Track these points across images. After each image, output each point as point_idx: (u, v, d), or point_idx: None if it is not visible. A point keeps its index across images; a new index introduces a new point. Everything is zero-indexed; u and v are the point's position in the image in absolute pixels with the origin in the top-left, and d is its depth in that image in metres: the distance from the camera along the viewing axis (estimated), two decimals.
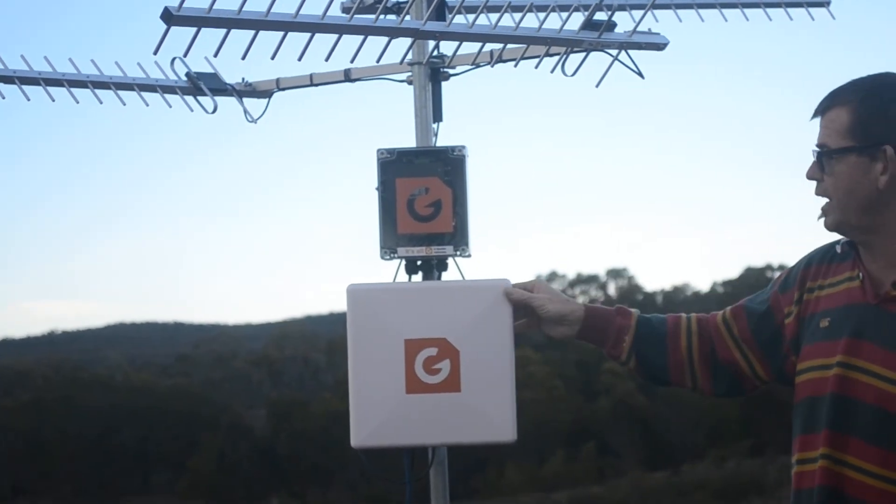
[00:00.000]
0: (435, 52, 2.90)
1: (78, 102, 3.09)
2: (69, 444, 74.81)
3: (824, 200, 2.22)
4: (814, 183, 2.27)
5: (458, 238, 2.64)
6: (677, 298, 52.69)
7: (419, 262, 2.71)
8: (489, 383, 2.57)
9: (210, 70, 3.11)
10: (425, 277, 2.72)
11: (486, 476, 46.21)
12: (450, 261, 2.72)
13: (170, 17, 2.27)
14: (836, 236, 2.32)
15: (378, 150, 2.68)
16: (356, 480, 52.08)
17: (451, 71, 2.97)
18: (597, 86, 2.97)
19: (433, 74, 2.89)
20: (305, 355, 75.84)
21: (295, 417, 59.14)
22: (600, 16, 2.72)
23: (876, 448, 2.11)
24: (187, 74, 3.08)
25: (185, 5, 2.28)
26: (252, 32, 2.41)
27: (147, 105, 3.16)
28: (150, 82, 3.11)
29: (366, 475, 50.89)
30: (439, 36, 2.69)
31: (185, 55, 2.55)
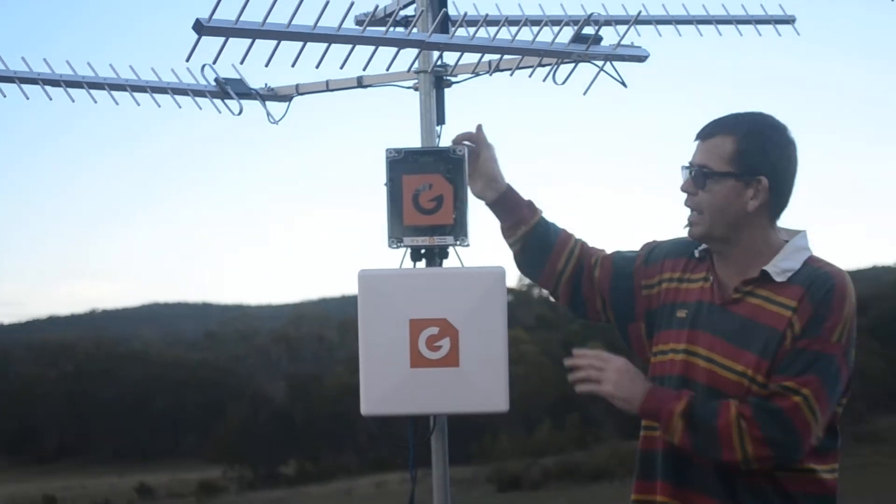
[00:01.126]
0: (439, 62, 2.89)
1: (117, 104, 3.08)
2: (108, 411, 75.13)
3: (694, 213, 2.34)
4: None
5: (457, 229, 2.61)
6: None
7: (423, 251, 2.68)
8: (485, 359, 2.56)
9: (236, 76, 3.10)
10: (428, 264, 2.70)
11: (481, 443, 46.35)
12: (450, 249, 2.70)
13: (201, 28, 2.26)
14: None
15: (387, 150, 2.65)
16: (365, 445, 52.25)
17: (453, 79, 2.96)
18: (584, 94, 2.96)
19: (437, 82, 2.88)
20: (320, 334, 76.10)
21: (310, 389, 59.34)
22: (588, 30, 2.72)
23: None
24: (216, 80, 3.06)
25: (214, 17, 2.27)
26: (274, 42, 2.41)
27: (179, 107, 3.14)
28: (182, 86, 3.09)
29: (374, 441, 51.04)
30: (443, 47, 2.69)
31: (215, 62, 2.55)
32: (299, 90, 3.16)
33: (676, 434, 2.23)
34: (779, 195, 2.28)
